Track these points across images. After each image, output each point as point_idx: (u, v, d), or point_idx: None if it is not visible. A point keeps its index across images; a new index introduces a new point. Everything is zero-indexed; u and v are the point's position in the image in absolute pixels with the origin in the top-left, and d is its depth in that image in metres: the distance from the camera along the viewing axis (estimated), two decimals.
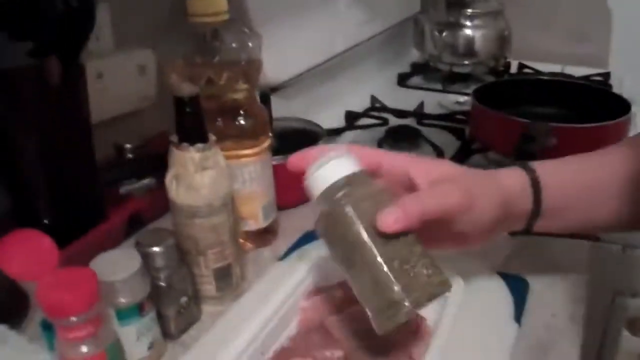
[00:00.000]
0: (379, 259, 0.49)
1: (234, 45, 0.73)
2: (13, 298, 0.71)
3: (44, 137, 0.74)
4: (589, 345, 1.10)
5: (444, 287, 0.52)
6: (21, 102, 0.72)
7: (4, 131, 0.73)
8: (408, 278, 0.49)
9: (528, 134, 0.89)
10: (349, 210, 0.51)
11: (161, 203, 0.82)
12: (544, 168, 0.63)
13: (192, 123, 0.63)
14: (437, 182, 0.58)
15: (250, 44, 0.74)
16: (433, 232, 0.56)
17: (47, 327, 0.65)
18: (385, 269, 0.49)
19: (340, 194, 0.52)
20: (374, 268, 0.50)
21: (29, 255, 0.54)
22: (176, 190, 0.64)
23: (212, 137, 0.64)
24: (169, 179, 0.64)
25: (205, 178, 0.63)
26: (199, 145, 0.63)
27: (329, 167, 0.53)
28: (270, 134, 0.79)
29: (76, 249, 0.75)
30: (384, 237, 0.50)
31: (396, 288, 0.49)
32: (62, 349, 0.54)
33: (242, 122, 0.75)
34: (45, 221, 0.78)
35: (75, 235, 0.76)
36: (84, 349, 0.53)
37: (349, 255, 0.52)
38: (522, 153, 0.88)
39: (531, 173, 0.62)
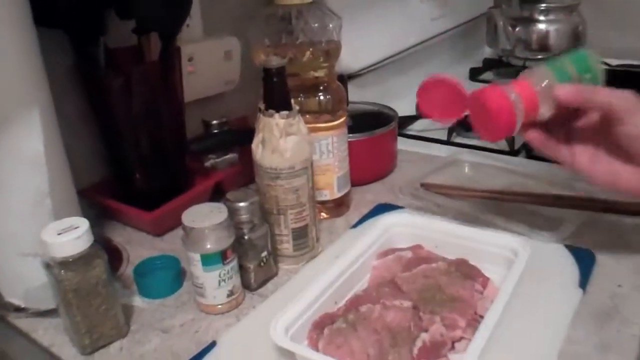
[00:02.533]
0: None
1: (315, 25, 0.78)
2: (110, 253, 0.79)
3: (143, 110, 0.82)
4: None
5: None
6: (125, 78, 0.79)
7: (109, 105, 0.81)
8: None
9: None
10: None
11: (241, 176, 0.89)
12: None
13: (279, 92, 0.69)
14: None
15: (330, 26, 0.80)
16: (595, 150, 0.65)
17: (140, 276, 0.72)
18: None
19: None
20: None
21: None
22: (262, 154, 0.69)
23: (296, 106, 0.70)
24: (255, 143, 0.70)
25: (289, 143, 0.69)
26: (284, 112, 0.68)
27: None
28: (346, 112, 0.84)
29: (165, 211, 0.82)
30: None
31: None
32: None
33: (321, 97, 0.80)
34: (139, 186, 0.86)
35: (166, 200, 0.83)
36: None
37: None
38: None
39: None
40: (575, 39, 1.54)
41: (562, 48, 1.54)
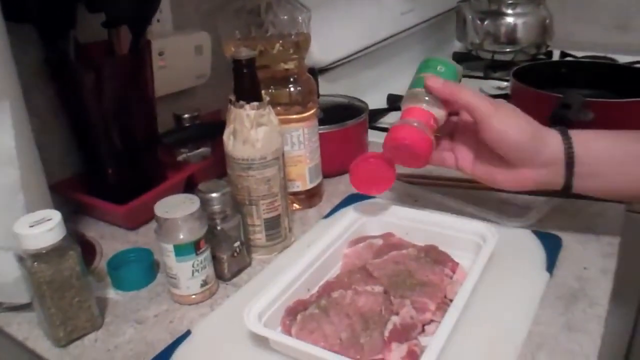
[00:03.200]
0: None
1: (285, 18, 0.79)
2: (83, 247, 0.79)
3: (114, 104, 0.82)
4: (624, 315, 1.13)
5: None
6: (95, 72, 0.79)
7: (80, 99, 0.81)
8: None
9: (564, 102, 0.92)
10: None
11: (213, 169, 0.89)
12: (580, 134, 0.68)
13: (249, 83, 0.69)
14: None
15: (300, 18, 0.80)
16: (475, 151, 0.71)
17: (113, 269, 0.72)
18: None
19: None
20: None
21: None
22: (233, 145, 0.70)
23: (266, 97, 0.70)
24: (226, 134, 0.71)
25: (260, 133, 0.69)
26: (254, 103, 0.69)
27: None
28: (317, 103, 0.85)
29: (138, 205, 0.82)
30: None
31: None
32: None
33: (291, 89, 0.81)
34: (112, 180, 0.86)
35: (138, 194, 0.84)
36: None
37: None
38: (558, 120, 0.90)
39: (564, 133, 0.67)
40: (542, 32, 1.58)
41: (529, 41, 1.57)
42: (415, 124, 0.68)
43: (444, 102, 0.69)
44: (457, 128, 0.73)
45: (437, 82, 0.68)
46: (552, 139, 0.66)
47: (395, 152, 0.70)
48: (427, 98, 0.69)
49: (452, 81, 0.70)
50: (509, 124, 0.65)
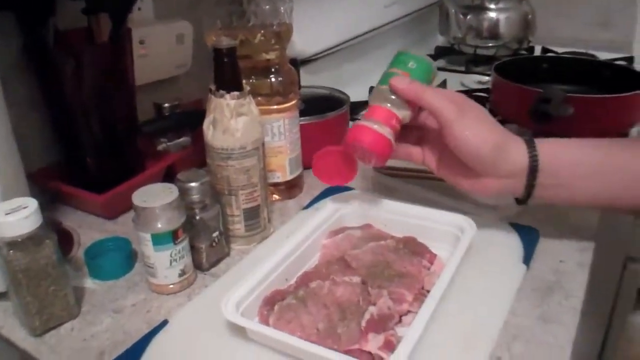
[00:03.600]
0: None
1: (267, 8, 0.79)
2: (61, 236, 0.79)
3: (94, 92, 0.81)
4: (600, 312, 1.14)
5: None
6: (74, 59, 0.78)
7: (59, 87, 0.80)
8: None
9: (544, 96, 0.93)
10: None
11: (193, 159, 0.89)
12: (547, 143, 0.67)
13: (229, 73, 0.69)
14: None
15: (281, 8, 0.80)
16: (440, 152, 0.70)
17: (91, 258, 0.72)
18: None
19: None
20: None
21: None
22: (213, 134, 0.70)
23: (246, 87, 0.70)
24: (206, 124, 0.71)
25: (240, 123, 0.69)
26: (235, 93, 0.69)
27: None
28: (298, 94, 0.85)
29: (116, 194, 0.82)
30: None
31: None
32: None
33: (273, 80, 0.81)
34: (91, 169, 0.85)
35: (117, 183, 0.83)
36: None
37: None
38: (538, 114, 0.91)
39: (530, 142, 0.67)
40: (525, 27, 1.58)
41: (512, 36, 1.57)
42: (376, 126, 0.68)
43: (410, 103, 0.68)
44: (426, 125, 0.72)
45: (402, 82, 0.67)
46: (516, 149, 0.65)
47: (353, 150, 0.71)
48: (392, 97, 0.68)
49: (422, 79, 0.70)
50: (471, 132, 0.64)
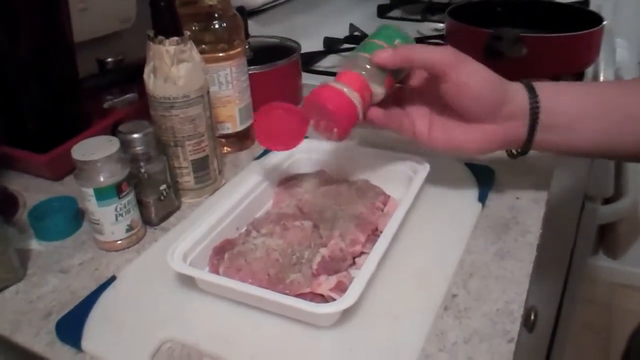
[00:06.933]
0: None
1: None
2: (5, 200, 0.76)
3: (28, 47, 0.77)
4: (561, 253, 1.15)
5: None
6: (8, 17, 0.74)
7: None
8: None
9: (496, 35, 0.91)
10: None
11: (140, 114, 0.86)
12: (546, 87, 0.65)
13: (167, 17, 0.66)
14: None
15: None
16: (431, 115, 0.65)
17: (35, 219, 0.69)
18: None
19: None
20: None
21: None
22: (154, 83, 0.67)
23: (187, 32, 0.67)
24: (146, 73, 0.68)
25: (181, 70, 0.66)
26: (174, 38, 0.66)
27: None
28: (245, 42, 0.82)
29: (60, 153, 0.79)
30: None
31: None
32: None
33: (216, 26, 0.77)
34: (31, 130, 0.82)
35: (61, 142, 0.80)
36: None
37: None
38: (491, 52, 0.90)
39: (529, 85, 0.64)
40: None
41: None
42: (345, 90, 0.61)
43: (395, 72, 0.64)
44: (405, 98, 0.68)
45: (386, 53, 0.62)
46: (515, 89, 0.63)
47: (314, 112, 0.62)
48: (368, 67, 0.62)
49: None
50: (471, 75, 0.61)
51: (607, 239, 1.84)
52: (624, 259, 2.14)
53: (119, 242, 0.65)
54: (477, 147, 0.64)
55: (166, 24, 0.66)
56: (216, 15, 0.77)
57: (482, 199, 0.70)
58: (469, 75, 0.61)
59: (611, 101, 0.64)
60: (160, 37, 0.65)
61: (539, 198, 0.72)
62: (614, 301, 2.24)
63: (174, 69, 0.66)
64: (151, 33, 0.66)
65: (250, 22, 1.06)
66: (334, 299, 0.52)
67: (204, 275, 0.55)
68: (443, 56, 0.61)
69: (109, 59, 0.92)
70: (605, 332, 2.09)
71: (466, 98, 0.61)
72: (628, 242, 1.88)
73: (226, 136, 0.83)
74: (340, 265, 0.57)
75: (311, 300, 0.52)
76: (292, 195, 0.68)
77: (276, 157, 0.73)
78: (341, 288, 0.53)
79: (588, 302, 2.17)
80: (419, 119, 0.66)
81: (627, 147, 0.64)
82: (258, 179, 0.69)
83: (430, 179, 0.68)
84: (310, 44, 1.22)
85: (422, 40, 1.34)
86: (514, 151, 0.68)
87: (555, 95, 0.63)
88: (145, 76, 0.68)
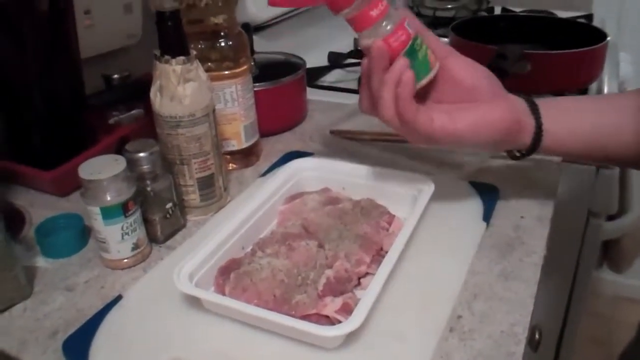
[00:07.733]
0: None
1: None
2: (11, 216, 0.76)
3: (35, 64, 0.77)
4: (566, 268, 1.15)
5: None
6: (15, 33, 0.75)
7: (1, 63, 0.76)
8: None
9: (501, 53, 0.92)
10: None
11: (146, 131, 0.86)
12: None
13: (174, 37, 0.66)
14: None
15: None
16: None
17: (42, 236, 0.69)
18: None
19: None
20: None
21: None
22: (160, 102, 0.67)
23: (193, 52, 0.68)
24: (153, 92, 0.68)
25: (187, 89, 0.67)
26: (181, 58, 0.66)
27: None
28: (251, 58, 0.83)
29: (66, 170, 0.79)
30: None
31: None
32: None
33: (222, 44, 0.78)
34: (37, 146, 0.82)
35: (67, 158, 0.80)
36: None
37: None
38: (495, 71, 0.89)
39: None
40: None
41: None
42: None
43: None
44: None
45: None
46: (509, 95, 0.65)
47: None
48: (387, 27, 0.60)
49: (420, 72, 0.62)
50: (463, 64, 0.64)
51: (612, 253, 1.84)
52: (628, 273, 2.14)
53: (125, 260, 0.66)
54: (475, 131, 0.61)
55: (173, 43, 0.66)
56: (222, 33, 0.78)
57: (486, 218, 0.70)
58: (462, 64, 0.64)
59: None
60: (167, 57, 0.66)
61: (543, 216, 0.72)
62: (618, 314, 2.24)
63: (180, 88, 0.66)
64: (158, 52, 0.67)
65: (255, 38, 1.07)
66: (339, 321, 0.52)
67: (210, 296, 0.55)
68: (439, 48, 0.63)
69: (115, 75, 0.93)
70: (609, 345, 2.08)
71: (461, 69, 0.63)
72: (632, 257, 1.88)
73: (231, 153, 0.84)
74: (345, 286, 0.57)
75: (317, 321, 0.52)
76: (297, 214, 0.68)
77: (281, 175, 0.74)
78: (347, 310, 0.53)
79: (592, 316, 2.16)
80: (436, 113, 0.61)
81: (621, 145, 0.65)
82: (263, 198, 0.69)
83: (435, 198, 0.68)
84: (315, 58, 1.22)
85: None
86: (517, 153, 0.68)
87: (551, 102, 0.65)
88: (151, 95, 0.68)
